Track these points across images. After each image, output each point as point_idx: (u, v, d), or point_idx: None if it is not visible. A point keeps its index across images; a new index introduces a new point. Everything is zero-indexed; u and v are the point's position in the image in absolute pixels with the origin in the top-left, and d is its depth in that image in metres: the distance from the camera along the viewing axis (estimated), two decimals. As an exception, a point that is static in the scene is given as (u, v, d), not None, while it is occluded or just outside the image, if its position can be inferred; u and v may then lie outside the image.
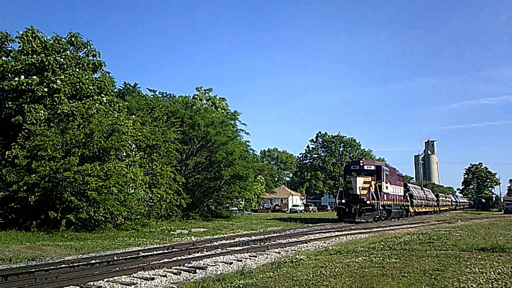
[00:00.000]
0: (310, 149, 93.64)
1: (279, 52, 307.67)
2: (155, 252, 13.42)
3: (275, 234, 20.88)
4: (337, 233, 20.46)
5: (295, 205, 70.23)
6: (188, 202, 28.80)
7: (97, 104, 22.53)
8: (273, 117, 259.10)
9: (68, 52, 23.80)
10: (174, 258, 11.96)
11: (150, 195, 25.48)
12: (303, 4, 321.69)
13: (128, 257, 12.18)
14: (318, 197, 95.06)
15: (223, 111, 46.16)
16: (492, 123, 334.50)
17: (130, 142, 23.59)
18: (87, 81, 22.90)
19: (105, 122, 21.29)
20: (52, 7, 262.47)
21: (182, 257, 12.19)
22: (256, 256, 12.66)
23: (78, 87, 22.45)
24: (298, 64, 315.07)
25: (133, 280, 9.13)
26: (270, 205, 74.15)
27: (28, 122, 20.31)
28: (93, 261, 11.27)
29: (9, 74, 21.92)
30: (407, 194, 40.80)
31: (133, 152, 24.48)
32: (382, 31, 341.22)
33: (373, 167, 31.75)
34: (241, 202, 41.96)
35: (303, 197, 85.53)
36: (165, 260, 11.63)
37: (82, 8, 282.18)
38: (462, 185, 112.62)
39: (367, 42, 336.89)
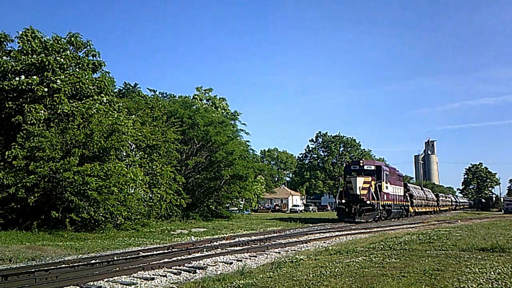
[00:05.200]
0: (310, 149, 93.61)
1: (279, 52, 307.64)
2: (155, 252, 13.42)
3: (275, 234, 20.88)
4: (337, 233, 20.46)
5: (295, 205, 70.23)
6: (188, 202, 28.79)
7: (97, 104, 22.52)
8: (273, 117, 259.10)
9: (68, 52, 23.80)
10: (174, 258, 11.96)
11: (150, 195, 25.48)
12: (303, 4, 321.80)
13: (128, 257, 12.18)
14: (318, 197, 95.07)
15: (223, 111, 46.15)
16: (492, 123, 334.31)
17: (130, 142, 23.58)
18: (87, 81, 22.90)
19: (105, 122, 21.29)
20: (52, 7, 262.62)
21: (182, 257, 12.18)
22: (256, 256, 12.66)
23: (78, 87, 22.45)
24: (298, 64, 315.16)
25: (133, 280, 9.13)
26: (270, 205, 74.14)
27: (28, 122, 20.31)
28: (93, 261, 11.26)
29: (9, 74, 21.92)
30: (407, 194, 40.79)
31: (133, 152, 24.48)
32: (382, 31, 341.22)
33: (373, 167, 31.75)
34: (241, 202, 41.96)
35: (303, 197, 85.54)
36: (165, 260, 11.62)
37: (82, 8, 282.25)
38: (462, 185, 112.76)
39: (367, 42, 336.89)
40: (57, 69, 22.28)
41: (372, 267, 8.94)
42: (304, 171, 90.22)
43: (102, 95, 23.79)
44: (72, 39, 24.07)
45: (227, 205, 40.10)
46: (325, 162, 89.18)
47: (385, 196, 31.94)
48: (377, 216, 30.43)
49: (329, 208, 76.72)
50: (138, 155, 24.93)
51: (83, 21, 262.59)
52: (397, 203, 36.04)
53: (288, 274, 8.63)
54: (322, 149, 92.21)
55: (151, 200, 25.50)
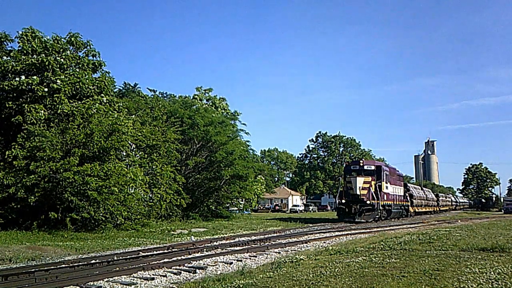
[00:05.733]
0: (310, 149, 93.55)
1: (279, 52, 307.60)
2: (155, 252, 13.42)
3: (275, 234, 20.88)
4: (337, 233, 20.45)
5: (295, 205, 70.20)
6: (188, 202, 28.79)
7: (97, 104, 22.53)
8: (273, 117, 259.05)
9: (68, 52, 23.81)
10: (174, 258, 11.96)
11: (150, 195, 25.47)
12: (303, 4, 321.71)
13: (128, 257, 12.19)
14: (318, 197, 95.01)
15: (223, 111, 46.12)
16: (492, 123, 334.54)
17: (130, 142, 23.58)
18: (87, 81, 22.90)
19: (105, 122, 21.30)
20: (52, 7, 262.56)
21: (182, 257, 12.18)
22: (256, 256, 12.66)
23: (78, 87, 22.46)
24: (298, 64, 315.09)
25: (133, 280, 9.13)
26: (270, 205, 74.11)
27: (28, 122, 20.32)
28: (93, 261, 11.26)
29: (10, 74, 21.93)
30: (407, 194, 40.78)
31: (133, 152, 24.48)
32: (382, 31, 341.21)
33: (373, 167, 31.75)
34: (241, 202, 41.94)
35: (303, 197, 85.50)
36: (165, 260, 11.62)
37: (82, 8, 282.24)
38: (462, 185, 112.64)
39: (367, 42, 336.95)
40: (57, 69, 22.28)
41: (372, 267, 8.94)
42: (304, 171, 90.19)
43: (102, 95, 23.80)
44: (72, 39, 24.07)
45: (227, 205, 40.07)
46: (325, 162, 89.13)
47: (385, 196, 31.93)
48: (377, 216, 30.42)
49: (329, 208, 76.66)
50: (138, 155, 24.93)
51: (83, 21, 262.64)
52: (397, 203, 36.03)
53: (288, 274, 8.62)
54: (322, 149, 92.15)
55: (151, 200, 25.49)
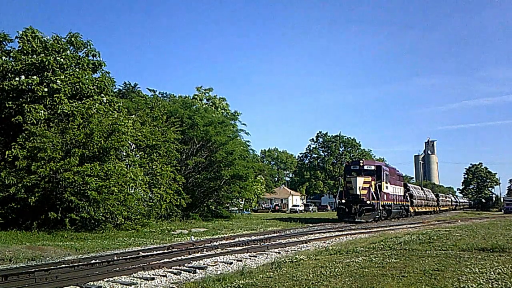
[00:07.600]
0: (311, 149, 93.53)
1: (278, 52, 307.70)
2: (155, 252, 13.42)
3: (275, 234, 20.87)
4: (337, 233, 20.45)
5: (295, 205, 70.19)
6: (188, 202, 28.77)
7: (97, 104, 22.52)
8: (273, 117, 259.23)
9: (68, 52, 23.82)
10: (174, 258, 11.96)
11: (150, 195, 25.46)
12: (302, 4, 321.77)
13: (128, 257, 12.18)
14: (318, 197, 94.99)
15: (223, 111, 46.08)
16: (492, 123, 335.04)
17: (130, 142, 23.57)
18: (87, 81, 22.90)
19: (105, 122, 21.29)
20: (52, 7, 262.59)
21: (182, 257, 12.18)
22: (256, 256, 12.66)
23: (78, 87, 22.46)
24: (297, 64, 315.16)
25: (133, 280, 9.13)
26: (270, 205, 74.10)
27: (28, 122, 20.32)
28: (93, 261, 11.26)
29: (9, 74, 21.93)
30: (407, 194, 40.78)
31: (133, 152, 24.47)
32: (382, 31, 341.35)
33: (373, 167, 31.75)
34: (241, 202, 41.93)
35: (303, 197, 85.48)
36: (165, 260, 11.62)
37: (82, 8, 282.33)
38: (462, 185, 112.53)
39: (367, 42, 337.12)
40: (57, 69, 22.29)
41: (372, 267, 8.94)
42: (304, 171, 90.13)
43: (102, 95, 23.79)
44: (72, 39, 24.08)
45: (227, 205, 40.06)
46: (325, 162, 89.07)
47: (385, 196, 31.93)
48: (377, 216, 30.42)
49: (329, 208, 76.67)
50: (138, 155, 24.91)
51: (83, 21, 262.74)
52: (397, 203, 36.03)
53: (288, 274, 8.62)
54: (322, 149, 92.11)
55: (151, 200, 25.47)
